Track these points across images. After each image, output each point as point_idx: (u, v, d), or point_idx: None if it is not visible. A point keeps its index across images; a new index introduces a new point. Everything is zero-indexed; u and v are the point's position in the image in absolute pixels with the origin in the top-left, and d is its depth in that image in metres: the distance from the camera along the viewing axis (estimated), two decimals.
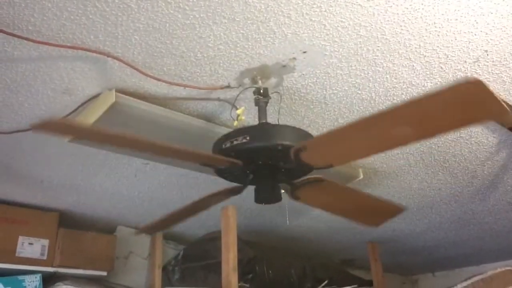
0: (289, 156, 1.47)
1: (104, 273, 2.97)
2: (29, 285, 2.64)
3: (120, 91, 1.77)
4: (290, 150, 1.46)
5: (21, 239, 2.71)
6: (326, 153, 1.44)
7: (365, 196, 1.88)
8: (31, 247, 2.74)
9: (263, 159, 1.58)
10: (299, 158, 1.47)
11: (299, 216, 3.30)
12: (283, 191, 1.65)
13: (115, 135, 1.39)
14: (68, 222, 2.97)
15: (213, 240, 3.10)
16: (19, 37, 1.48)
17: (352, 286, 3.21)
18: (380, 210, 1.90)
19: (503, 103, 1.12)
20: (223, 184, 1.79)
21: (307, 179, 1.65)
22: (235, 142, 1.56)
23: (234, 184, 1.74)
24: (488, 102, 1.12)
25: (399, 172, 2.64)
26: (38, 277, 2.68)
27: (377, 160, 2.50)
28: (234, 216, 2.71)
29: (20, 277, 2.64)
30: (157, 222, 2.04)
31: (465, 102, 1.14)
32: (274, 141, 1.52)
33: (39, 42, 1.51)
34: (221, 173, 1.68)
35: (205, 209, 1.91)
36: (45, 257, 2.76)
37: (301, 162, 1.49)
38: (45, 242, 2.79)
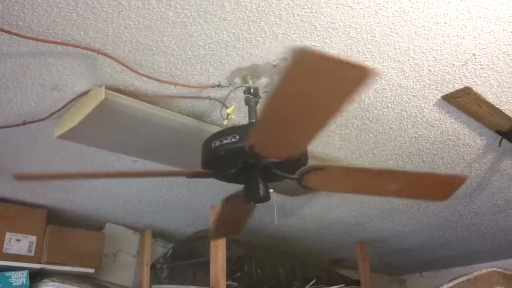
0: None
1: (92, 271, 2.96)
2: (16, 281, 2.63)
3: (110, 88, 1.77)
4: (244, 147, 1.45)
5: (8, 235, 2.69)
6: (270, 141, 1.41)
7: (417, 174, 1.82)
8: (19, 243, 2.72)
9: (251, 158, 1.58)
10: (254, 152, 1.45)
11: (289, 216, 3.31)
12: (271, 190, 1.65)
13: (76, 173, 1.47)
14: (56, 219, 2.95)
15: (202, 238, 3.10)
16: (8, 32, 1.47)
17: (340, 285, 3.22)
18: (440, 184, 1.81)
19: (346, 61, 1.06)
20: (212, 183, 1.80)
21: (307, 168, 1.63)
22: (224, 141, 1.56)
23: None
24: (330, 66, 1.07)
25: None
26: (25, 273, 2.67)
27: (366, 161, 2.52)
28: None
29: (7, 273, 2.63)
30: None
31: (310, 75, 1.09)
32: None
33: (29, 38, 1.51)
34: (214, 176, 1.68)
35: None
36: (32, 254, 2.74)
37: (258, 156, 1.48)
38: (33, 238, 2.77)
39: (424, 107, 2.03)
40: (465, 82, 1.86)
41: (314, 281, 3.25)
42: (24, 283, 2.65)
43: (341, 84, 1.15)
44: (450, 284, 2.74)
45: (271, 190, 1.66)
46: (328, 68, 1.08)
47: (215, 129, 1.90)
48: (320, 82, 1.13)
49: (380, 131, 2.22)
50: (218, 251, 2.81)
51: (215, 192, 2.78)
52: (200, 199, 2.94)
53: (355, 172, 1.83)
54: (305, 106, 1.23)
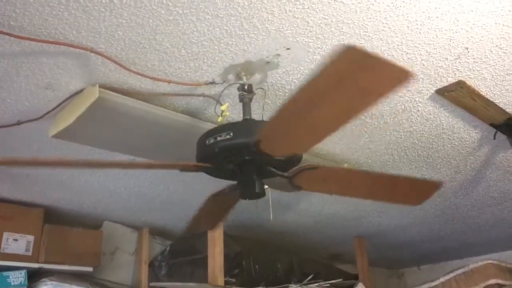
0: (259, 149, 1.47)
1: (90, 269, 2.96)
2: (14, 281, 2.63)
3: (104, 86, 1.77)
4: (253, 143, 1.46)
5: (5, 235, 2.69)
6: (280, 139, 1.43)
7: (391, 177, 1.86)
8: (16, 243, 2.72)
9: (246, 155, 1.58)
10: (260, 150, 1.46)
11: (286, 211, 3.32)
12: (266, 186, 1.65)
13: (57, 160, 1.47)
14: (53, 218, 2.95)
15: (200, 235, 3.10)
16: (0, 32, 1.47)
17: (337, 280, 3.24)
18: (415, 189, 1.86)
19: (389, 62, 1.08)
20: (210, 180, 1.80)
21: (300, 167, 1.64)
22: (218, 138, 1.56)
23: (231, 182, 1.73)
24: (374, 66, 1.08)
25: (384, 167, 2.67)
26: (23, 273, 2.67)
27: (362, 155, 2.53)
28: None
29: (5, 273, 2.63)
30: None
31: (353, 72, 1.11)
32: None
33: (21, 38, 1.50)
34: (208, 172, 1.68)
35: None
36: (30, 253, 2.75)
37: (264, 154, 1.49)
38: (30, 238, 2.77)
39: (419, 101, 2.04)
40: (459, 76, 1.87)
41: (312, 276, 3.26)
42: (22, 282, 2.65)
43: (378, 84, 1.16)
44: (447, 277, 2.76)
45: (266, 186, 1.67)
46: (371, 67, 1.09)
47: (210, 126, 1.89)
48: (359, 80, 1.14)
49: (375, 125, 2.23)
50: (216, 247, 2.82)
51: (212, 189, 2.77)
52: (198, 197, 2.92)
53: (343, 173, 1.85)
54: (330, 105, 1.23)
